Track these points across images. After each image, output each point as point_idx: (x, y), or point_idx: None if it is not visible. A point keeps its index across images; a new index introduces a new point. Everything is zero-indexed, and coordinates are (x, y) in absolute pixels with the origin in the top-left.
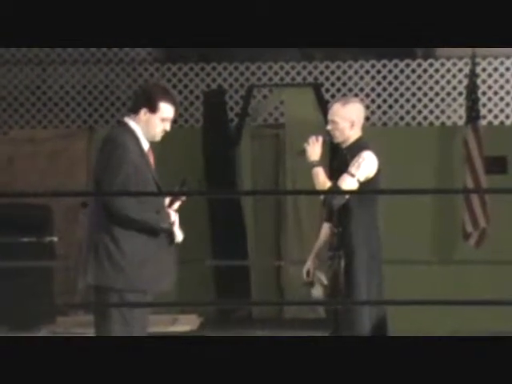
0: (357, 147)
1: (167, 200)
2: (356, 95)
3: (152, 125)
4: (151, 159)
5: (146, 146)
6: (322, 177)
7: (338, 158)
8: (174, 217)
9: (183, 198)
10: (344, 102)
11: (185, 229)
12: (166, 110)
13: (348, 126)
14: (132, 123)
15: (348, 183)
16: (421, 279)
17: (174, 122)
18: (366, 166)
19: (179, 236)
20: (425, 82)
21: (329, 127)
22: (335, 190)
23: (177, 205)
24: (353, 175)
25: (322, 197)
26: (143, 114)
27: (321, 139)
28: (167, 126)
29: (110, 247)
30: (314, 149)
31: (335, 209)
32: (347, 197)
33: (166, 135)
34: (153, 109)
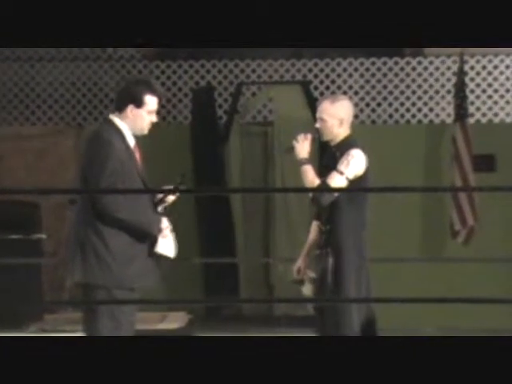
0: (346, 145)
1: (159, 196)
2: (345, 93)
3: (140, 119)
4: (137, 156)
5: (131, 142)
6: (311, 174)
7: (327, 156)
8: (166, 223)
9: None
10: (333, 99)
11: (173, 226)
12: (152, 102)
13: (337, 124)
14: (117, 120)
15: (337, 181)
16: (409, 277)
17: (163, 119)
18: (354, 163)
19: (171, 249)
20: (413, 80)
21: (317, 125)
22: (324, 188)
23: (170, 199)
24: (342, 173)
25: (310, 194)
26: (130, 110)
27: (310, 137)
28: (154, 118)
29: (97, 245)
30: (303, 146)
31: (324, 206)
32: (336, 195)
33: (155, 133)
34: (139, 104)
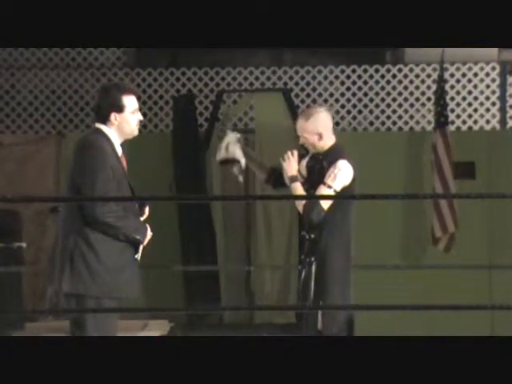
0: (332, 154)
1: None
2: (325, 100)
3: (126, 122)
4: (125, 165)
5: (119, 151)
6: (301, 192)
7: (314, 162)
8: (150, 232)
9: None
10: (307, 116)
11: (154, 234)
12: (131, 102)
13: (316, 139)
14: (105, 128)
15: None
16: (390, 284)
17: (144, 127)
18: (341, 176)
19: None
20: (394, 88)
21: (301, 142)
22: (311, 200)
23: (147, 210)
24: (329, 187)
25: (301, 211)
26: (113, 117)
27: (296, 153)
28: (139, 116)
29: (87, 254)
30: (291, 164)
31: (316, 223)
32: (325, 208)
33: (136, 141)
34: (120, 108)
